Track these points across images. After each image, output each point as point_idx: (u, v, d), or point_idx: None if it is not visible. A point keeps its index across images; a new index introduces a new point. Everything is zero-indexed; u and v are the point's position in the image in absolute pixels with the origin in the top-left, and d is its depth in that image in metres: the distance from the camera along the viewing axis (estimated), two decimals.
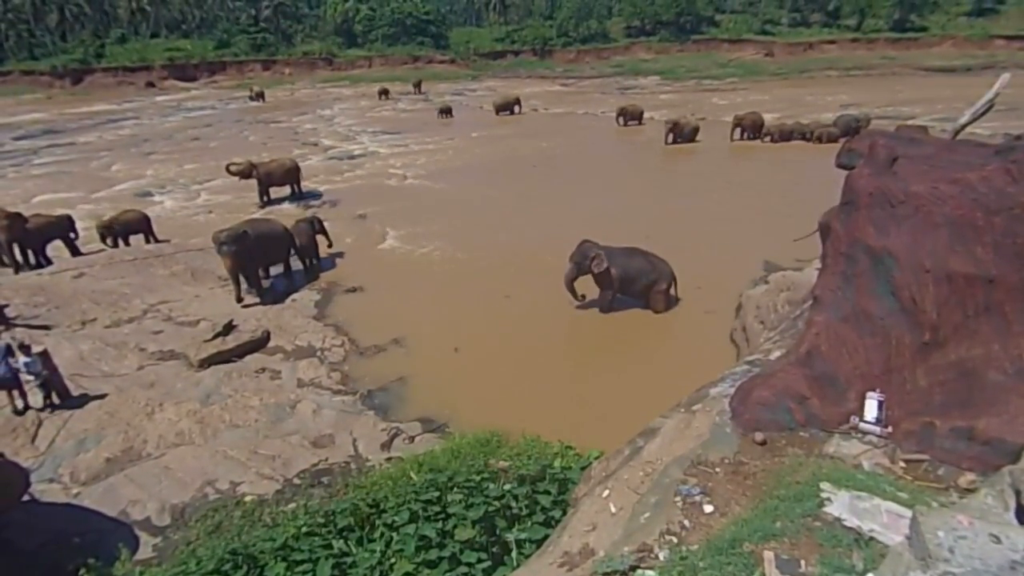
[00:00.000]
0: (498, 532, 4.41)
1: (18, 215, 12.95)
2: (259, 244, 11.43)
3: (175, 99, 47.95)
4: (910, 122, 23.73)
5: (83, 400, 7.95)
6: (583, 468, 5.10)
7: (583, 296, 10.81)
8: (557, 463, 5.43)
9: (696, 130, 25.59)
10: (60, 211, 14.92)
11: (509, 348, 9.59)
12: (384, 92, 44.87)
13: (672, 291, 10.65)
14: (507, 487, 4.81)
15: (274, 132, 32.20)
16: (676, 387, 5.69)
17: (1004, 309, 3.40)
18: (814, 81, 47.90)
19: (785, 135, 24.97)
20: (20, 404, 7.63)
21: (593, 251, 10.28)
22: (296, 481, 6.62)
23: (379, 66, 60.37)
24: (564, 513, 4.43)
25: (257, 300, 11.32)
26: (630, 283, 10.42)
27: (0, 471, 5.52)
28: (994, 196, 3.45)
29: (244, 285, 11.40)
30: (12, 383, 7.52)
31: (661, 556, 2.97)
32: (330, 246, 13.89)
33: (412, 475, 5.51)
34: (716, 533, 3.02)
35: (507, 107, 35.75)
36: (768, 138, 25.04)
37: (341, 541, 4.48)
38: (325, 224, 13.88)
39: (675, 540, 3.07)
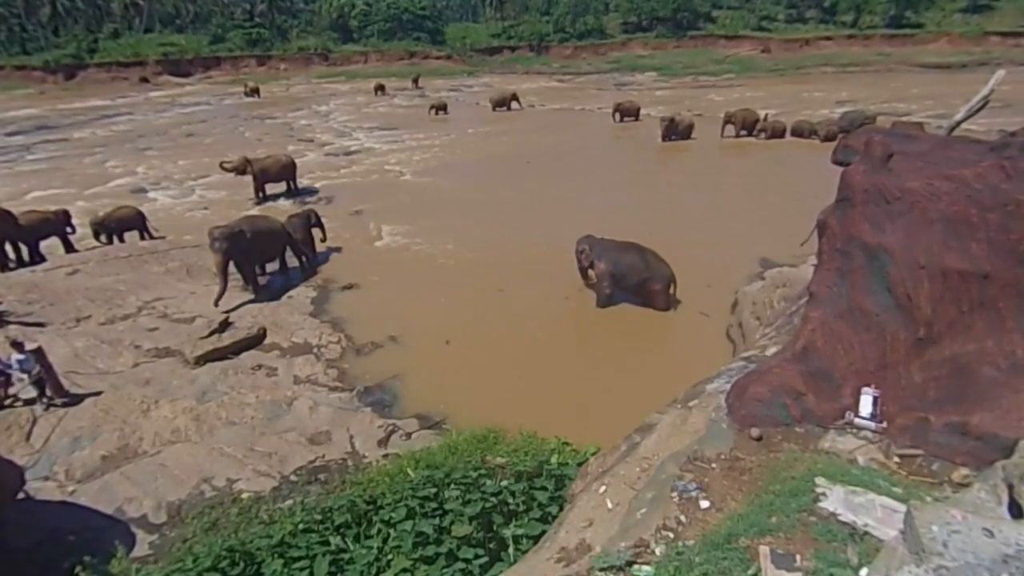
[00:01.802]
0: (495, 528, 4.42)
1: (7, 213, 12.83)
2: (256, 241, 11.38)
3: (169, 95, 47.65)
4: (906, 118, 23.75)
5: (78, 397, 7.91)
6: (580, 464, 5.11)
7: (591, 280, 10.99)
8: (554, 459, 5.43)
9: (691, 127, 25.57)
10: (54, 207, 14.81)
11: (506, 344, 9.60)
12: (380, 88, 44.68)
13: (672, 291, 10.55)
14: (504, 483, 4.82)
15: (269, 128, 32.04)
16: (672, 383, 5.71)
17: (998, 305, 3.42)
18: (810, 77, 47.97)
19: (779, 132, 24.86)
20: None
21: (581, 245, 10.61)
22: (293, 478, 6.62)
23: (375, 62, 60.15)
24: (561, 509, 4.43)
25: (251, 297, 11.28)
26: (621, 279, 10.43)
27: None
28: (989, 192, 3.46)
29: (241, 282, 11.35)
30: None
31: (657, 551, 2.98)
32: (324, 240, 13.86)
33: (409, 472, 5.51)
34: (712, 528, 3.03)
35: (504, 103, 35.66)
36: (763, 135, 24.98)
37: (338, 538, 4.47)
38: (322, 219, 13.87)
39: (671, 535, 3.08)
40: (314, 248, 13.27)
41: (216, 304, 10.66)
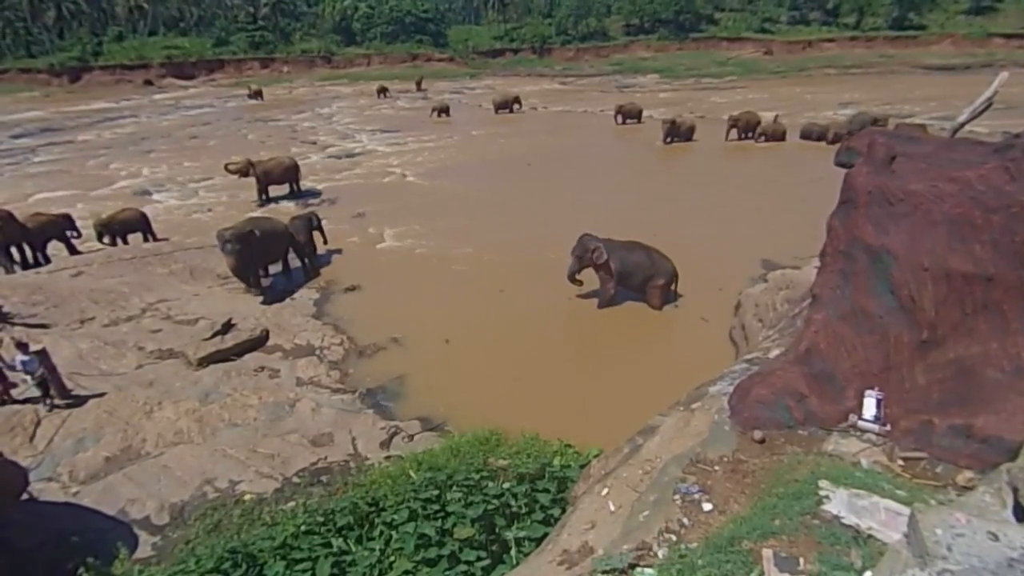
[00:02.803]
0: (497, 530, 4.41)
1: (10, 216, 12.90)
2: (262, 242, 11.43)
3: (173, 97, 47.86)
4: (909, 120, 23.70)
5: (82, 399, 7.94)
6: (582, 466, 5.10)
7: (581, 282, 10.98)
8: (556, 461, 5.43)
9: (693, 129, 25.55)
10: (58, 210, 14.89)
11: (508, 346, 9.60)
12: (383, 90, 44.82)
13: (673, 287, 10.72)
14: (506, 485, 4.82)
15: (272, 130, 32.14)
16: (675, 385, 5.70)
17: (1002, 307, 3.40)
18: (813, 79, 47.94)
19: (779, 135, 24.71)
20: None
21: (593, 243, 10.57)
22: (295, 480, 6.62)
23: (378, 64, 60.39)
24: (563, 511, 4.43)
25: (258, 298, 11.31)
26: (628, 276, 10.56)
27: None
28: (992, 194, 3.45)
29: (243, 284, 11.38)
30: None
31: (660, 554, 2.98)
32: (325, 243, 13.89)
33: (411, 473, 5.51)
34: (715, 531, 3.03)
35: (506, 105, 35.74)
36: (762, 138, 24.85)
37: (340, 540, 4.48)
38: (323, 222, 13.89)
39: (674, 538, 3.07)
40: (315, 250, 13.29)
41: (259, 297, 11.22)
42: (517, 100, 36.31)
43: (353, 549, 4.38)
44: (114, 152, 27.07)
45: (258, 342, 9.68)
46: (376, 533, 4.55)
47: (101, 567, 4.94)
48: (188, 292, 11.68)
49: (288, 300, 11.54)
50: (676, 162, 22.99)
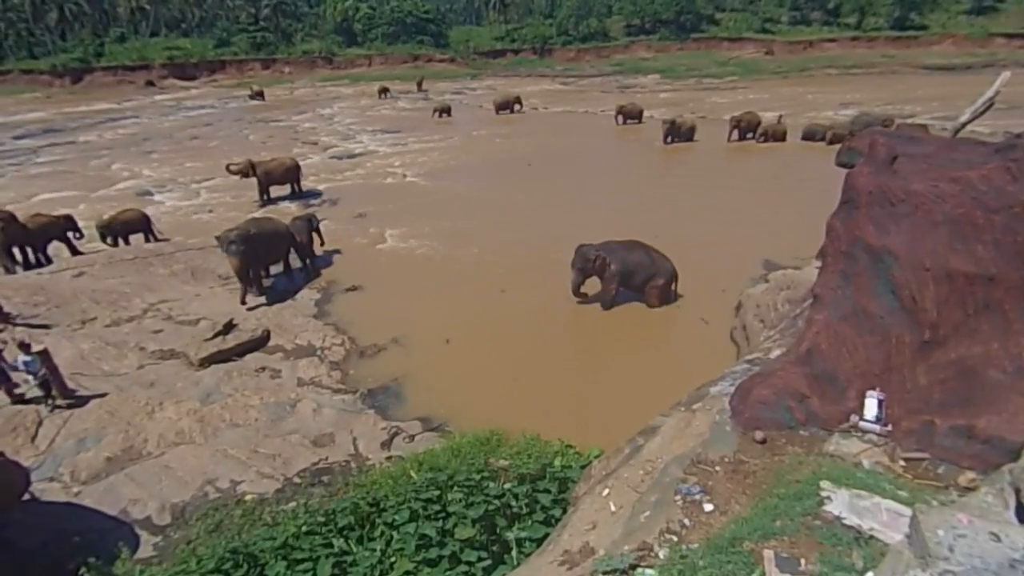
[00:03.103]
0: (498, 531, 4.42)
1: (12, 216, 12.92)
2: (264, 243, 11.45)
3: (175, 98, 47.94)
4: (910, 120, 23.68)
5: (83, 399, 7.95)
6: (583, 467, 5.10)
7: (586, 294, 10.95)
8: (557, 462, 5.43)
9: (693, 129, 25.51)
10: (60, 210, 14.92)
11: (509, 346, 9.59)
12: (384, 91, 44.89)
13: (673, 287, 10.72)
14: (507, 486, 4.82)
15: (274, 131, 32.17)
16: (676, 385, 5.69)
17: (1004, 307, 3.40)
18: (814, 79, 47.90)
19: (779, 136, 24.64)
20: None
21: (593, 252, 10.51)
22: (296, 480, 6.63)
23: (379, 65, 60.48)
24: (564, 512, 4.43)
25: (261, 299, 11.32)
26: (629, 276, 10.54)
27: (0, 470, 5.52)
28: (994, 194, 3.44)
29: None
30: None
31: (661, 555, 2.98)
32: (322, 244, 13.89)
33: (412, 474, 5.52)
34: (716, 532, 3.02)
35: (507, 106, 35.76)
36: (763, 138, 24.79)
37: (341, 540, 4.48)
38: (322, 222, 13.88)
39: (675, 539, 3.07)
40: (314, 250, 13.30)
41: (243, 303, 11.00)
42: (518, 100, 36.32)
43: (354, 549, 4.38)
44: (116, 153, 27.12)
45: (259, 342, 9.69)
46: (377, 533, 4.56)
47: (103, 567, 4.94)
48: (190, 292, 11.69)
49: (289, 300, 11.55)
50: (676, 162, 22.97)
